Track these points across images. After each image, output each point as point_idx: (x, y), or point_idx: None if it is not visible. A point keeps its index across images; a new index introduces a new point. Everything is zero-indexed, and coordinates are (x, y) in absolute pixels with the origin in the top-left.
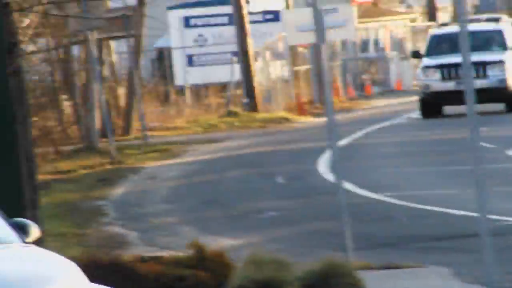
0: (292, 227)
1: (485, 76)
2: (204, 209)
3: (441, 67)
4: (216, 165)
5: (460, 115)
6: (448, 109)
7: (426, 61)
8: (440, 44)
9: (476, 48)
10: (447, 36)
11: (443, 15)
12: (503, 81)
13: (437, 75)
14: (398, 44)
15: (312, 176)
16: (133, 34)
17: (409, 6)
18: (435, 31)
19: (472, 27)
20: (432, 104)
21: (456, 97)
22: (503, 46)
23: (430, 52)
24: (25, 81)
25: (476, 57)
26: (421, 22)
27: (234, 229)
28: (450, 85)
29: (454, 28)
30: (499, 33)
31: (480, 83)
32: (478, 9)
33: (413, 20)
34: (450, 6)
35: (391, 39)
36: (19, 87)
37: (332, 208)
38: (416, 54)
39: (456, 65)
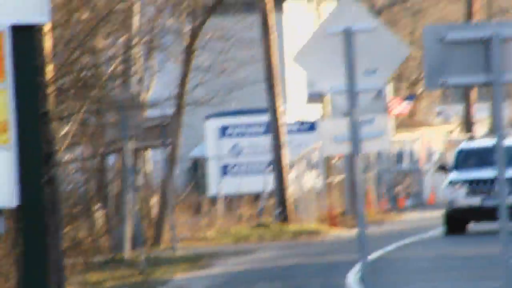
0: None
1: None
2: None
3: (467, 182)
4: (244, 277)
5: (487, 232)
6: (473, 225)
7: (452, 175)
8: (468, 158)
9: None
10: (475, 150)
11: (481, 128)
12: None
13: (463, 190)
14: (433, 157)
15: None
16: (169, 143)
17: (446, 118)
18: (462, 145)
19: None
20: (457, 220)
21: (482, 213)
22: None
23: (457, 167)
24: (59, 191)
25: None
26: (458, 134)
27: None
28: (476, 201)
29: (482, 143)
30: None
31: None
32: None
33: (449, 133)
34: (488, 118)
35: (427, 151)
36: (53, 197)
37: None
38: (443, 168)
39: (483, 181)
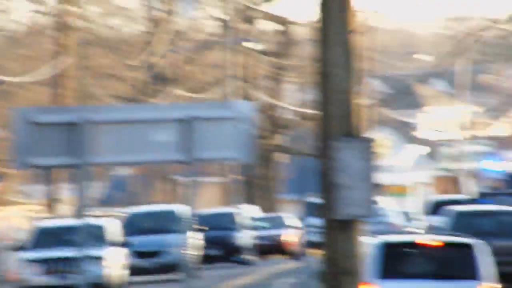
0: None
1: (82, 271)
2: None
3: (44, 260)
4: None
5: None
6: None
7: (29, 253)
8: (45, 237)
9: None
10: (53, 229)
11: (66, 207)
12: (100, 277)
13: (39, 269)
14: (14, 235)
15: None
16: None
17: (32, 197)
18: (41, 223)
19: (75, 221)
20: None
21: None
22: (103, 241)
23: (34, 245)
24: None
25: (76, 252)
26: (42, 213)
27: None
28: (52, 280)
29: (60, 222)
30: (100, 228)
31: (79, 278)
32: (108, 200)
33: (33, 211)
34: (74, 198)
35: (8, 229)
36: None
37: None
38: (20, 246)
39: (60, 259)
